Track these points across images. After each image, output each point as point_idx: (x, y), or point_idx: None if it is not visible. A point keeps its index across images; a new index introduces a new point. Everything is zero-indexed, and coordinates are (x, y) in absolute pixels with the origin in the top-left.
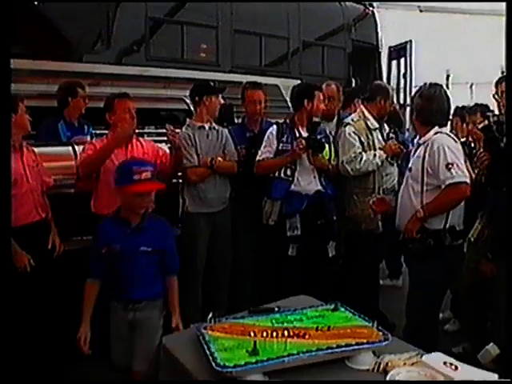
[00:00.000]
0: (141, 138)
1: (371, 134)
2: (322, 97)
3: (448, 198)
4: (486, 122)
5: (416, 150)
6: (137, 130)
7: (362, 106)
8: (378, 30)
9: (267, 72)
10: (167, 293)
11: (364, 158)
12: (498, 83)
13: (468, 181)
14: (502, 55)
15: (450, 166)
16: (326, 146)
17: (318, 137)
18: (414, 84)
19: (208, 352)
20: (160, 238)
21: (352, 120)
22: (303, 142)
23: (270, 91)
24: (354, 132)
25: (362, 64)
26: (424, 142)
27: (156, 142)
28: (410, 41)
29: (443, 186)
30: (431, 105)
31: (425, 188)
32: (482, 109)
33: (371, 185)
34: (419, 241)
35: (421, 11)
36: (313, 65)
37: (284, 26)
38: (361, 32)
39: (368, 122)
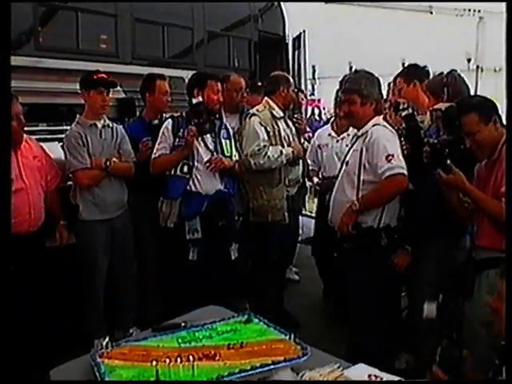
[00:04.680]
0: (28, 139)
1: (277, 124)
2: (217, 87)
3: (385, 190)
4: (411, 110)
5: (354, 143)
6: (29, 128)
7: (266, 98)
8: (285, 20)
9: (171, 64)
10: None
11: (269, 153)
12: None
13: (406, 173)
14: (403, 48)
15: (391, 157)
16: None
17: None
18: (308, 75)
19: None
20: None
21: (257, 110)
22: (193, 128)
23: (175, 84)
24: (259, 123)
25: (269, 55)
26: (362, 135)
27: (49, 140)
28: (304, 31)
29: (383, 178)
30: (381, 94)
31: (361, 183)
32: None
33: (277, 176)
34: (354, 239)
35: (326, 2)
36: (219, 56)
37: (188, 16)
38: (267, 23)
39: (273, 112)
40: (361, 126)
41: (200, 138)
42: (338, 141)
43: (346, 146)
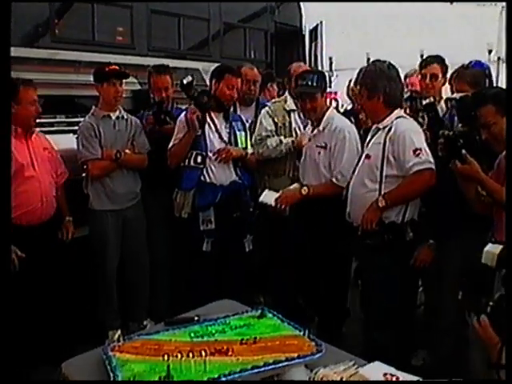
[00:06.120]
0: (38, 132)
1: (288, 116)
2: (234, 83)
3: (414, 186)
4: (432, 99)
5: (373, 136)
6: (46, 120)
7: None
8: (302, 12)
9: (187, 55)
10: None
11: (268, 143)
12: (421, 66)
13: (434, 168)
14: (422, 39)
15: (419, 151)
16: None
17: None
18: (325, 67)
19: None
20: None
21: (272, 102)
22: (192, 107)
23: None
24: (268, 112)
25: (286, 47)
26: (384, 128)
27: (67, 132)
28: (321, 22)
29: (410, 172)
30: (395, 85)
31: (384, 178)
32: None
33: (282, 167)
34: (378, 235)
35: None
36: (235, 48)
37: (204, 7)
38: (284, 14)
39: (286, 104)
40: (377, 120)
41: (214, 129)
42: (309, 139)
43: (316, 146)
